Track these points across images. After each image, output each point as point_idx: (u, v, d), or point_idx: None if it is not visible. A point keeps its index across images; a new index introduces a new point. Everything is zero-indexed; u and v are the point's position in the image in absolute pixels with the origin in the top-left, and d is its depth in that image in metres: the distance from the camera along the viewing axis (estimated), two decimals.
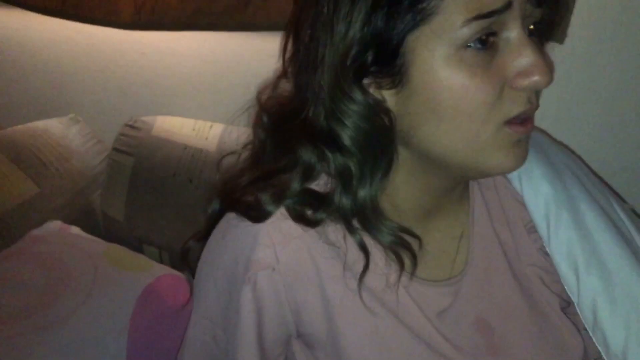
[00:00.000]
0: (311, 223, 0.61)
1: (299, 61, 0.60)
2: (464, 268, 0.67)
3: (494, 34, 0.52)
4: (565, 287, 0.67)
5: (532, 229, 0.70)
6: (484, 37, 0.52)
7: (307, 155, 0.60)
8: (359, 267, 0.61)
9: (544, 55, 0.53)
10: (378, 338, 0.62)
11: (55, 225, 1.12)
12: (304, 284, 0.62)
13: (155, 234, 1.17)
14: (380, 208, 0.61)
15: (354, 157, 0.58)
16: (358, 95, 0.55)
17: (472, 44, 0.52)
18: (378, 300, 0.63)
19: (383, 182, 0.59)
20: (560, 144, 0.78)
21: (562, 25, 0.84)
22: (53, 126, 1.28)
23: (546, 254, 0.69)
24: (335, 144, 0.58)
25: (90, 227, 1.19)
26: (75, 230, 1.12)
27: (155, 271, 1.02)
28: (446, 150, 0.56)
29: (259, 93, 0.67)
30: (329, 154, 0.59)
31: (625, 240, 0.67)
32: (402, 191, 0.63)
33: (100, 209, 1.25)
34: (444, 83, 0.53)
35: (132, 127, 1.21)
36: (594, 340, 0.66)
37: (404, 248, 0.62)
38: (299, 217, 0.61)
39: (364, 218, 0.60)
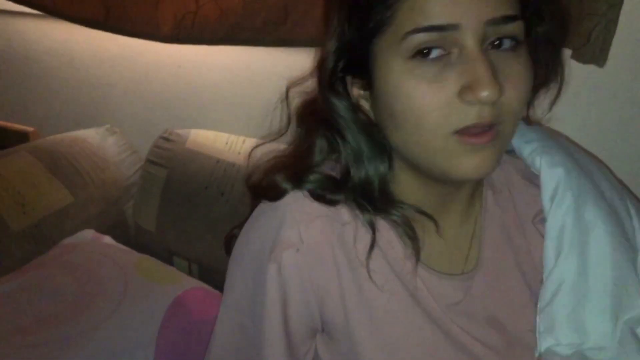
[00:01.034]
0: (330, 202, 0.65)
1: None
2: (475, 266, 0.69)
3: (441, 47, 0.54)
4: (544, 264, 0.67)
5: (543, 219, 0.70)
6: (426, 50, 0.54)
7: (320, 141, 0.67)
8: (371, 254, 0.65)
9: (492, 70, 0.53)
10: (391, 319, 0.65)
11: (88, 234, 1.13)
12: (324, 267, 0.65)
13: (186, 246, 1.17)
14: (391, 191, 0.66)
15: (356, 144, 0.64)
16: (334, 98, 0.63)
17: (418, 56, 0.55)
18: (394, 281, 0.65)
19: (385, 165, 0.64)
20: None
21: (603, 49, 0.82)
22: (90, 136, 1.30)
23: None
24: (340, 134, 0.65)
25: (122, 237, 1.20)
26: (107, 240, 1.13)
27: (184, 284, 1.02)
28: (409, 154, 0.61)
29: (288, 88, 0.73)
30: (339, 141, 0.65)
31: (625, 246, 0.67)
32: (407, 188, 0.66)
33: (133, 219, 1.26)
34: (394, 91, 0.57)
35: (166, 139, 1.23)
36: (536, 319, 0.66)
37: (410, 228, 0.65)
38: (319, 198, 0.65)
39: (373, 198, 0.65)
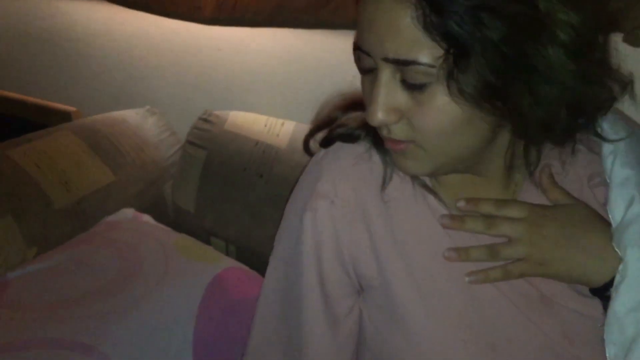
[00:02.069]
0: (355, 137, 0.72)
1: None
2: None
3: (364, 62, 0.61)
4: (609, 212, 0.66)
5: (599, 183, 0.71)
6: (359, 63, 0.61)
7: None
8: (398, 201, 0.70)
9: (381, 97, 0.59)
10: (429, 267, 0.68)
11: (128, 212, 1.15)
12: (357, 222, 0.70)
13: (224, 227, 1.19)
14: None
15: None
16: None
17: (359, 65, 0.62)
18: (432, 229, 0.69)
19: None
20: None
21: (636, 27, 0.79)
22: (130, 117, 1.32)
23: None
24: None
25: (161, 217, 1.21)
26: (147, 218, 1.15)
27: (223, 263, 1.03)
28: None
29: None
30: None
31: None
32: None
33: (172, 199, 1.28)
34: None
35: (205, 120, 1.24)
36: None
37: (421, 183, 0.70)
38: (347, 137, 0.72)
39: None
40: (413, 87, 0.58)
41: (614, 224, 0.65)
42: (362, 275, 0.71)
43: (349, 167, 0.71)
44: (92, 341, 0.84)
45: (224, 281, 0.99)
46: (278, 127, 1.17)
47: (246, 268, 1.05)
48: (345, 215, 0.70)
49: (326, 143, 0.74)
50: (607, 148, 0.69)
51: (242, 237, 1.16)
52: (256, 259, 1.05)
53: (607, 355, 0.62)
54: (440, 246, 0.68)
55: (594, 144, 0.71)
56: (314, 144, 0.76)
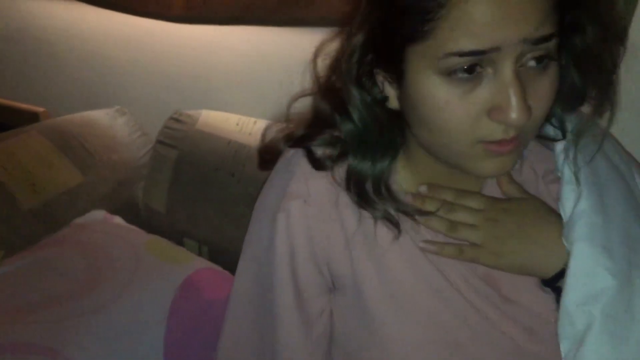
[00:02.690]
0: (324, 166, 0.70)
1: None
2: None
3: (478, 65, 0.55)
4: (560, 207, 0.68)
5: (554, 180, 0.72)
6: (466, 68, 0.55)
7: (327, 110, 0.70)
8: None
9: (523, 94, 0.55)
10: (399, 268, 0.68)
11: (98, 214, 1.13)
12: (330, 220, 0.69)
13: (196, 227, 1.17)
14: (386, 185, 0.69)
15: (363, 136, 0.67)
16: (354, 89, 0.65)
17: (455, 72, 0.55)
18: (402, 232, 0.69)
19: (385, 163, 0.68)
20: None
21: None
22: (100, 117, 1.30)
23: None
24: (348, 116, 0.67)
25: (132, 218, 1.19)
26: (118, 220, 1.13)
27: (195, 264, 1.02)
28: (432, 151, 0.64)
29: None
30: (349, 124, 0.68)
31: (634, 202, 0.68)
32: (421, 166, 0.70)
33: (143, 200, 1.26)
34: (424, 99, 0.58)
35: (176, 120, 1.22)
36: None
37: (392, 223, 0.69)
38: (316, 161, 0.70)
39: (363, 189, 0.68)
40: (537, 71, 0.56)
41: (564, 219, 0.67)
42: (335, 274, 0.71)
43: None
44: (58, 345, 0.82)
45: (196, 282, 0.98)
46: (250, 126, 1.16)
47: (219, 268, 1.03)
48: (318, 214, 0.70)
49: (294, 144, 0.73)
50: (559, 145, 0.71)
51: (215, 237, 1.15)
52: (229, 259, 1.03)
53: (562, 350, 0.64)
54: (408, 245, 0.69)
55: (547, 140, 0.73)
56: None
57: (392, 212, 0.68)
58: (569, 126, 0.70)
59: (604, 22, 0.61)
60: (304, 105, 0.78)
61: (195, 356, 0.92)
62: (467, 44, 0.53)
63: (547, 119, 0.69)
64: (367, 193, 0.68)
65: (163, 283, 0.96)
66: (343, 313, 0.71)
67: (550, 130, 0.72)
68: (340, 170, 0.70)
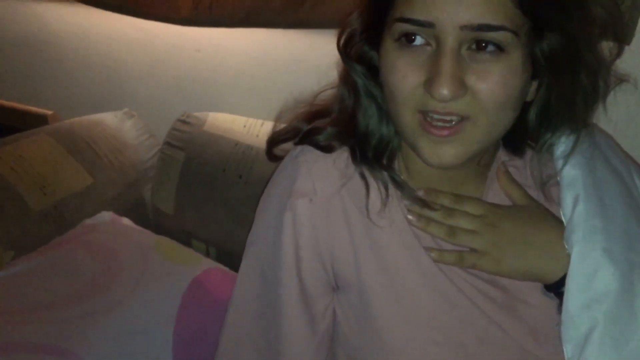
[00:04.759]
0: (328, 149, 0.71)
1: None
2: None
3: (421, 37, 0.60)
4: (561, 211, 0.69)
5: (554, 184, 0.72)
6: (409, 37, 0.60)
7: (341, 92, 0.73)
8: (377, 204, 0.69)
9: (454, 71, 0.58)
10: (402, 267, 0.69)
11: (107, 215, 1.14)
12: (336, 219, 0.69)
13: (204, 228, 1.18)
14: (389, 155, 0.71)
15: (367, 104, 0.70)
16: (351, 61, 0.69)
17: (403, 39, 0.61)
18: (405, 231, 0.69)
19: (390, 129, 0.70)
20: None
21: (629, 25, 0.81)
22: (108, 119, 1.31)
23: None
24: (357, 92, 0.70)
25: (141, 219, 1.20)
26: (126, 221, 1.14)
27: (202, 265, 1.03)
28: (395, 126, 0.67)
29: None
30: (354, 97, 0.71)
31: (633, 203, 0.68)
32: (419, 166, 0.69)
33: (151, 202, 1.27)
34: (383, 65, 0.64)
35: (184, 122, 1.23)
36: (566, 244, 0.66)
37: (386, 189, 0.70)
38: (324, 147, 0.71)
39: (367, 152, 0.70)
40: (484, 56, 0.58)
41: (565, 223, 0.67)
42: (339, 273, 0.71)
43: (327, 164, 0.71)
44: (69, 345, 0.83)
45: (204, 283, 0.98)
46: (257, 128, 1.17)
47: (226, 269, 1.04)
48: (324, 213, 0.70)
49: (300, 142, 0.73)
50: (558, 149, 0.71)
51: (222, 238, 1.16)
52: (236, 260, 1.02)
53: (565, 353, 0.64)
54: (412, 247, 0.69)
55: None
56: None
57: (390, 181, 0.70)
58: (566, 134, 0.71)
59: (568, 29, 0.60)
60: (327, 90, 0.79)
61: (204, 355, 0.92)
62: (408, 13, 0.59)
63: (541, 134, 0.69)
64: (370, 157, 0.70)
65: (171, 283, 0.96)
66: (346, 312, 0.72)
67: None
68: (345, 168, 0.71)
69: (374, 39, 0.66)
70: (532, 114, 0.67)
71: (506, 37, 0.58)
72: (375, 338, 0.68)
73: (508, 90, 0.59)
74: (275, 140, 0.77)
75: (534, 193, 0.72)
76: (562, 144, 0.70)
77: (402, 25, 0.60)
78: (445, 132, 0.60)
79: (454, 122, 0.60)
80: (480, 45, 0.58)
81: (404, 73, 0.61)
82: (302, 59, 1.18)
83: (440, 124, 0.60)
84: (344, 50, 0.70)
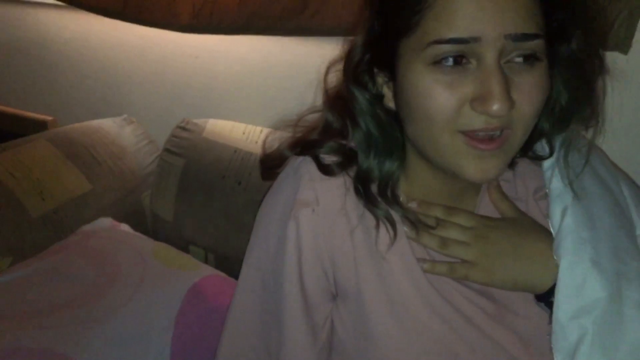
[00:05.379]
0: (332, 171, 0.71)
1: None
2: None
3: (460, 56, 0.58)
4: (550, 223, 0.69)
5: (543, 196, 0.73)
6: (451, 58, 0.58)
7: (337, 121, 0.72)
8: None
9: (505, 85, 0.57)
10: (399, 279, 0.69)
11: (106, 222, 1.14)
12: (338, 229, 0.70)
13: (202, 235, 1.18)
14: (393, 189, 0.70)
15: (370, 135, 0.69)
16: (356, 89, 0.68)
17: (439, 62, 0.58)
18: (403, 244, 0.70)
19: (393, 162, 0.69)
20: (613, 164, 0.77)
21: (627, 35, 0.81)
22: (107, 126, 1.31)
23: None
24: (355, 121, 0.70)
25: (139, 226, 1.20)
26: (125, 227, 1.14)
27: (201, 271, 1.03)
28: (421, 147, 0.65)
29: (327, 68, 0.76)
30: (354, 127, 0.70)
31: (620, 213, 0.69)
32: (421, 179, 0.71)
33: (150, 208, 1.27)
34: (413, 90, 0.61)
35: (183, 129, 1.23)
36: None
37: (391, 225, 0.70)
38: (324, 167, 0.71)
39: (368, 189, 0.70)
40: (523, 67, 0.58)
41: (553, 235, 0.68)
42: (340, 282, 0.71)
43: (332, 179, 0.71)
44: (67, 350, 0.83)
45: (203, 289, 0.98)
46: (256, 134, 1.17)
47: (225, 276, 1.04)
48: (327, 223, 0.70)
49: (301, 153, 0.74)
50: (547, 162, 0.72)
51: (221, 244, 1.16)
52: (235, 267, 1.03)
53: None
54: (408, 258, 0.69)
55: (537, 159, 0.74)
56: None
57: (394, 216, 0.69)
58: (557, 145, 0.72)
59: (589, 31, 0.63)
60: (310, 114, 0.79)
61: None
62: (447, 33, 0.56)
63: (538, 138, 0.71)
64: (373, 194, 0.69)
65: (170, 290, 0.96)
66: (343, 321, 0.72)
67: (539, 149, 0.73)
68: (347, 178, 0.71)
69: (384, 64, 0.65)
70: (542, 121, 0.68)
71: (540, 45, 0.58)
72: (371, 347, 0.69)
73: (542, 98, 0.60)
74: (265, 164, 0.78)
75: (523, 205, 0.73)
76: (550, 157, 0.71)
77: (440, 47, 0.57)
78: (492, 145, 0.60)
79: (498, 134, 0.60)
80: (519, 56, 0.58)
81: (446, 96, 0.58)
82: (302, 66, 1.19)
83: (486, 136, 0.60)
84: (352, 76, 0.68)
